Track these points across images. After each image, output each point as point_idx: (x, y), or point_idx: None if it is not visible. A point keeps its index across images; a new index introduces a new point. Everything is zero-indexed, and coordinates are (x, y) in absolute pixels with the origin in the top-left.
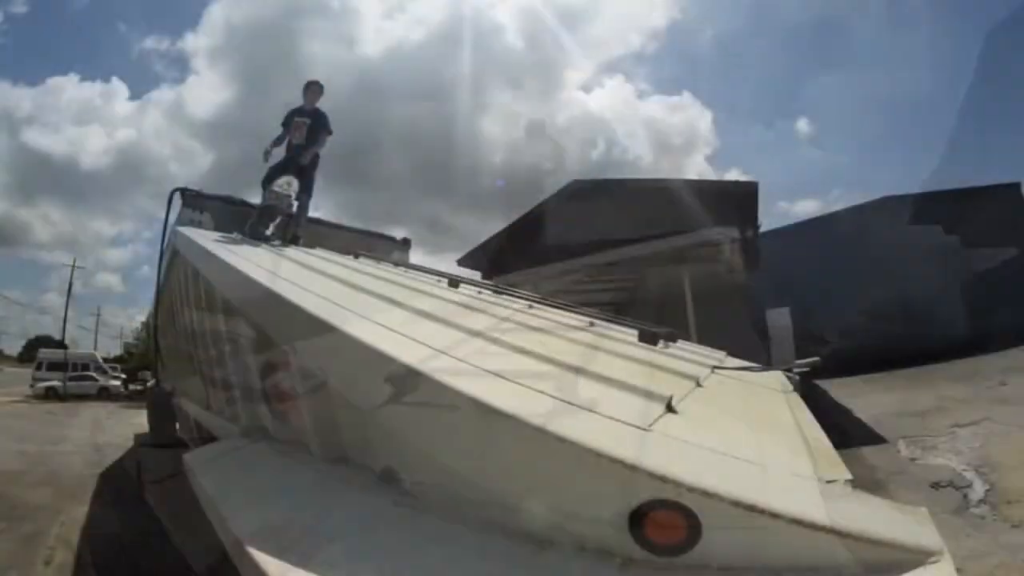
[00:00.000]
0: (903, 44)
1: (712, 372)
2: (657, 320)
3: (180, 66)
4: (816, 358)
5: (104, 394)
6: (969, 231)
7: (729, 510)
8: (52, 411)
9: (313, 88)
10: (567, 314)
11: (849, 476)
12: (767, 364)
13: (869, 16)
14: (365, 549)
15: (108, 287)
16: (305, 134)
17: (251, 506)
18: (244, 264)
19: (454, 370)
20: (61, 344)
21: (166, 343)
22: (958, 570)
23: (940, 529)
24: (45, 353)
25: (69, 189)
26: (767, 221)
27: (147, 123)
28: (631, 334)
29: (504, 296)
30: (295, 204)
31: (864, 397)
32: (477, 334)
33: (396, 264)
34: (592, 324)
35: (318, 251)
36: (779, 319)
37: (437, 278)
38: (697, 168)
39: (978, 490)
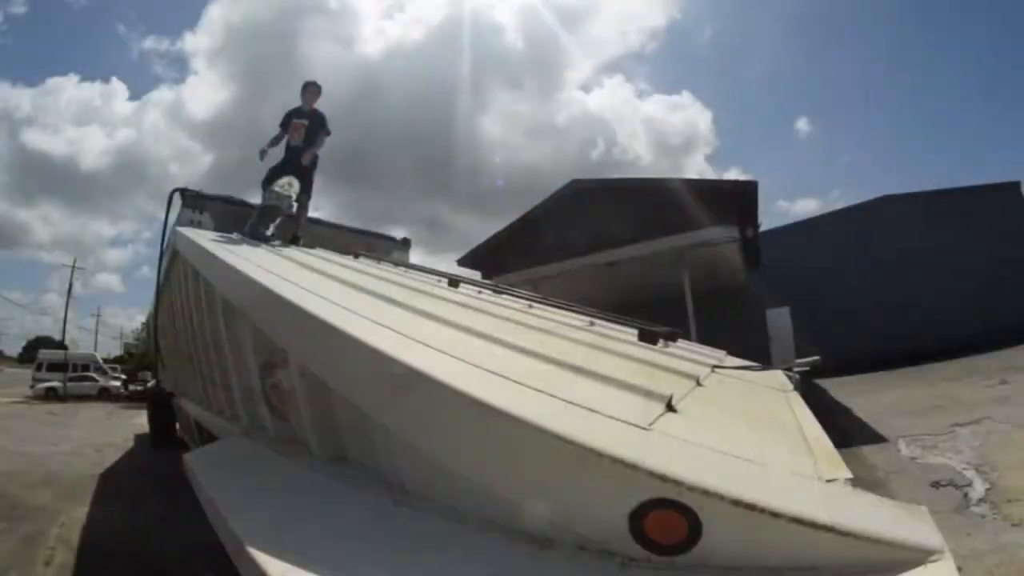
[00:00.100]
0: (903, 44)
1: (712, 371)
2: (657, 320)
3: (180, 66)
4: (816, 357)
5: (104, 395)
6: (969, 230)
7: (729, 509)
8: (52, 412)
9: (311, 89)
10: (567, 314)
11: (849, 475)
12: (767, 363)
13: (869, 16)
14: (365, 549)
15: (108, 287)
16: (303, 135)
17: (251, 506)
18: (244, 264)
19: (454, 369)
20: (61, 345)
21: (166, 343)
22: (959, 569)
23: (940, 528)
24: (45, 354)
25: (69, 189)
26: (767, 220)
27: (147, 123)
28: (631, 333)
29: (504, 296)
30: (295, 204)
31: (864, 396)
32: (477, 334)
33: (396, 264)
34: (592, 324)
35: (318, 251)
36: (779, 319)
37: (437, 278)
38: (697, 167)
39: (978, 489)
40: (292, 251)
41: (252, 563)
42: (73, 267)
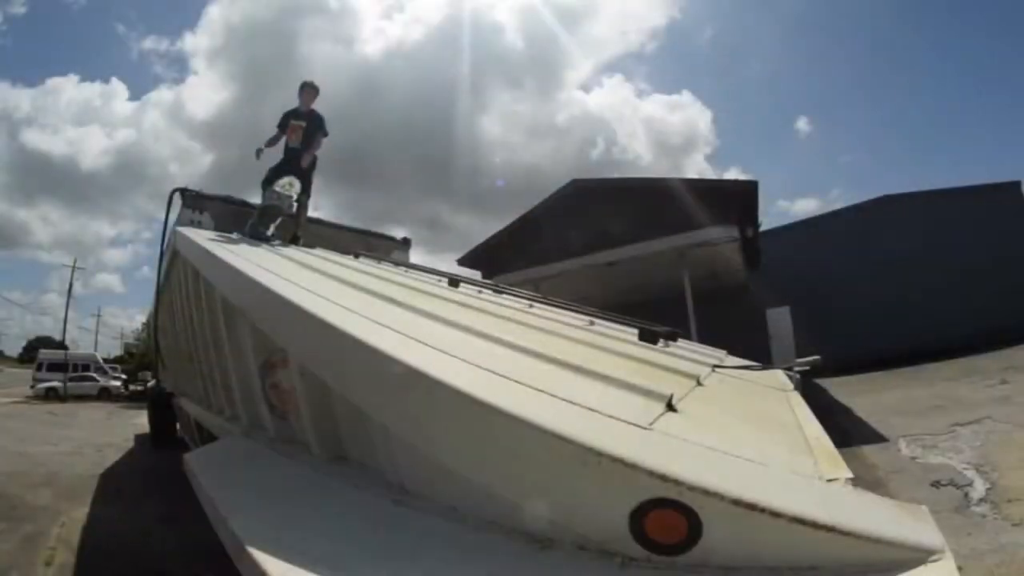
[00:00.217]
0: (903, 44)
1: (712, 371)
2: (657, 319)
3: (180, 66)
4: (816, 356)
5: (104, 395)
6: (969, 230)
7: (730, 509)
8: (52, 412)
9: (308, 89)
10: (567, 313)
11: (850, 475)
12: (767, 363)
13: (869, 16)
14: (365, 549)
15: (108, 288)
16: (301, 137)
17: (251, 506)
18: (244, 264)
19: (454, 369)
20: (61, 345)
21: (166, 343)
22: (959, 568)
23: (941, 528)
24: (45, 354)
25: (69, 190)
26: (767, 220)
27: (147, 123)
28: (631, 333)
29: (504, 295)
30: (295, 204)
31: (864, 396)
32: (477, 333)
33: (396, 264)
34: (592, 323)
35: (318, 251)
36: (779, 319)
37: (437, 278)
38: (697, 167)
39: (979, 488)
40: (292, 251)
41: (252, 563)
42: (73, 267)
